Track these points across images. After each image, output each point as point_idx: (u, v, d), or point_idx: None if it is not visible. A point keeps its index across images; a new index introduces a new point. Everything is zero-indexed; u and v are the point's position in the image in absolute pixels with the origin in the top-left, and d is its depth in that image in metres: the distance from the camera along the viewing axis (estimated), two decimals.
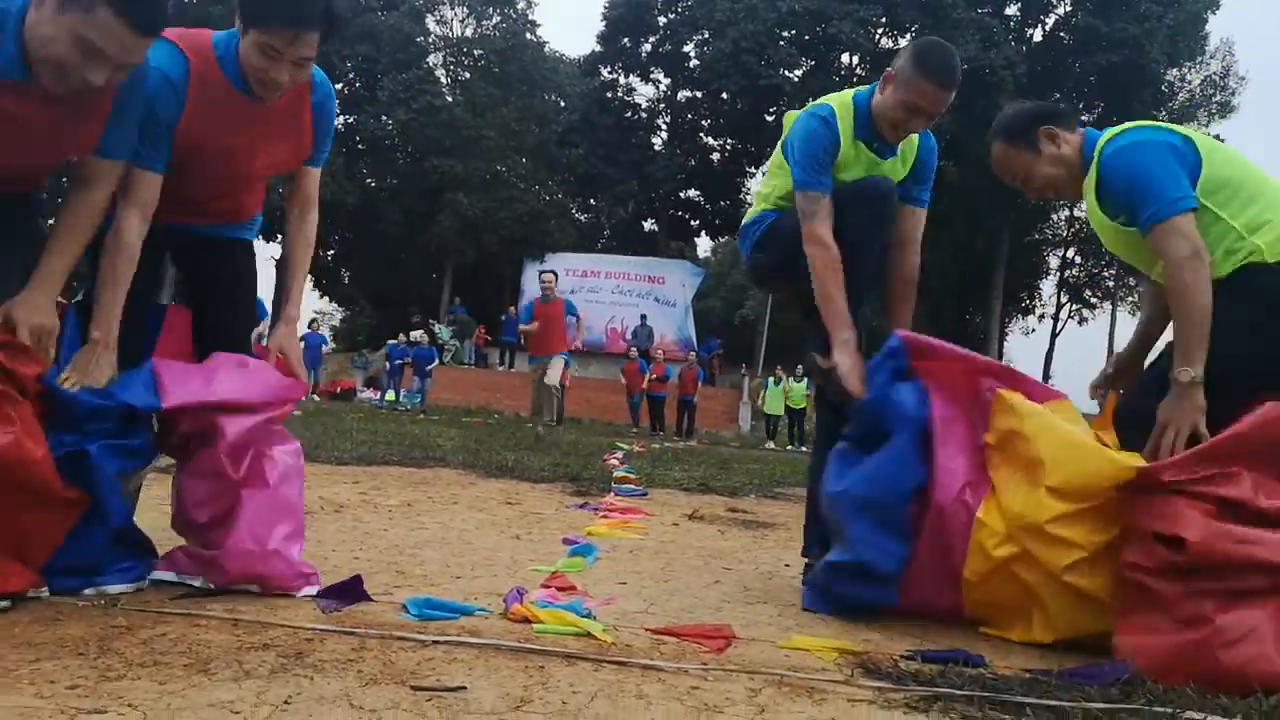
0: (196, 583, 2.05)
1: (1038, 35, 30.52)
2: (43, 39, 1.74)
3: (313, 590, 2.12)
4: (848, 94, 2.66)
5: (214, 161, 2.26)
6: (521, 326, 10.26)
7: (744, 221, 2.94)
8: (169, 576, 2.07)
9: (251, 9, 2.01)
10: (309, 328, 18.98)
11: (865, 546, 2.23)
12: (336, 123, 2.51)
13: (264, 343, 2.44)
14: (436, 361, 19.69)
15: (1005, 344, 32.02)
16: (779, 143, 2.79)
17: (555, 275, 10.58)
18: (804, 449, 16.12)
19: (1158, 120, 2.34)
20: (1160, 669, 1.81)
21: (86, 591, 1.94)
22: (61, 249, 2.01)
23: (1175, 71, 30.37)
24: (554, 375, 9.77)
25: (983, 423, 2.31)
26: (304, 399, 16.55)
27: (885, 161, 2.67)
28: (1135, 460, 2.01)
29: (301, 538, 2.20)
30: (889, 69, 2.56)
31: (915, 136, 2.71)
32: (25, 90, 1.82)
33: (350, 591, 2.12)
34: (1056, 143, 2.37)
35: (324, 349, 20.49)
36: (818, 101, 2.68)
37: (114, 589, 1.98)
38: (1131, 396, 2.46)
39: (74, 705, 1.31)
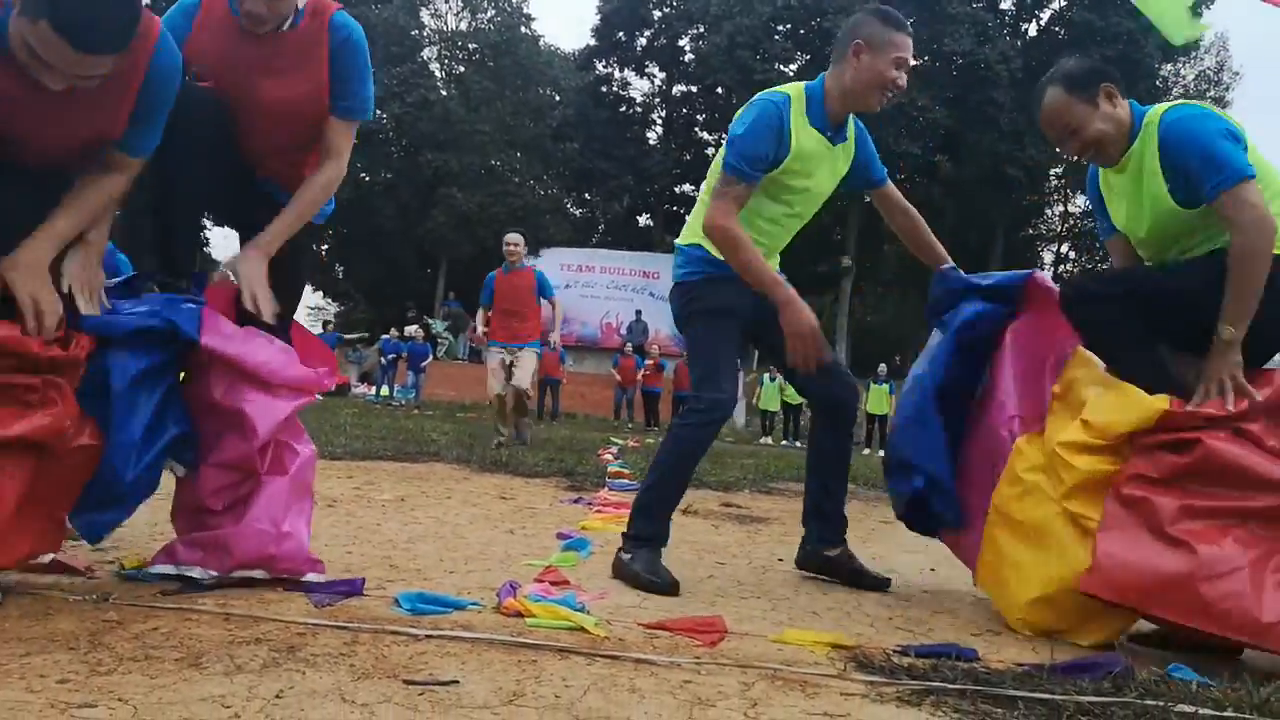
0: (195, 573, 2.04)
1: (1032, 30, 30.54)
2: (10, 37, 1.72)
3: (319, 578, 2.14)
4: (798, 84, 2.67)
5: (230, 93, 2.24)
6: (481, 314, 7.76)
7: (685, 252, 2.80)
8: (168, 569, 2.06)
9: None
10: (322, 328, 18.81)
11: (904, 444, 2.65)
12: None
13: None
14: (431, 358, 19.65)
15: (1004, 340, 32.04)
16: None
17: (524, 238, 7.67)
18: (799, 444, 16.15)
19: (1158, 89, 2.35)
20: (1137, 592, 1.95)
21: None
22: (69, 212, 1.96)
23: (1170, 66, 30.44)
24: (523, 376, 7.27)
25: (1054, 374, 2.44)
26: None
27: (838, 146, 2.70)
28: (1163, 401, 2.13)
29: (310, 526, 2.22)
30: (855, 43, 2.57)
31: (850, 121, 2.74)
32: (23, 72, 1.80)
33: (343, 586, 2.12)
34: (1114, 102, 2.34)
35: (335, 351, 20.25)
36: (769, 90, 2.66)
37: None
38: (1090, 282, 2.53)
39: (64, 700, 1.31)
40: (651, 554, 2.54)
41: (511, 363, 7.34)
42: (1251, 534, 1.95)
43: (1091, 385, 2.29)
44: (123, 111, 1.95)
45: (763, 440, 17.08)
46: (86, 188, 1.99)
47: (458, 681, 1.52)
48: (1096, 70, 2.38)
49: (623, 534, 2.63)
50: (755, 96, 2.65)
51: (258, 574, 2.08)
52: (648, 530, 2.58)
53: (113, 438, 1.94)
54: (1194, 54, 31.07)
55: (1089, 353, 2.38)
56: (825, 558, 2.80)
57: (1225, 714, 1.57)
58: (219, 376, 2.13)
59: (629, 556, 2.53)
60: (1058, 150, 2.54)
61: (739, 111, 2.65)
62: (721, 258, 2.60)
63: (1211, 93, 31.64)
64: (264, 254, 2.24)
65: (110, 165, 2.02)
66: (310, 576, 2.12)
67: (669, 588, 2.40)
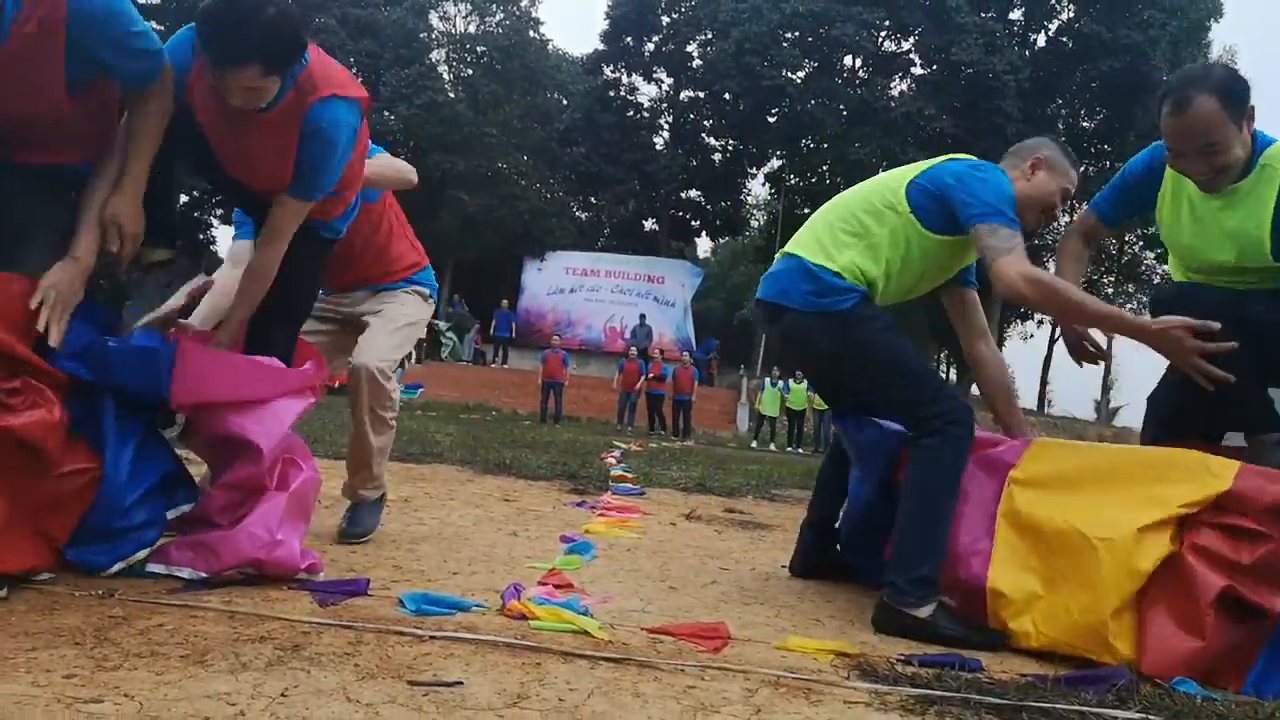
0: (185, 574, 2.06)
1: (1041, 40, 30.52)
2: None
3: (317, 576, 2.17)
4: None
5: (212, 136, 2.26)
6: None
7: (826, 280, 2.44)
8: (159, 569, 2.07)
9: (199, 36, 2.04)
10: None
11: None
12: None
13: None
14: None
15: (1004, 349, 31.97)
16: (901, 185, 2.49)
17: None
18: (800, 451, 16.14)
19: (1156, 128, 2.27)
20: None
21: (114, 568, 2.00)
22: (137, 155, 2.08)
23: None
24: (370, 351, 2.87)
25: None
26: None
27: None
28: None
29: (302, 542, 2.22)
30: (1036, 158, 2.48)
31: None
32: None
33: (347, 586, 2.12)
34: (1250, 128, 2.18)
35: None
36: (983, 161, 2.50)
37: (138, 555, 2.05)
38: (1167, 390, 2.47)
39: (70, 694, 1.31)
40: (947, 604, 2.25)
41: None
42: None
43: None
44: (55, 57, 1.93)
45: (755, 445, 17.04)
46: (136, 127, 2.07)
47: (462, 683, 1.52)
48: (1248, 89, 2.17)
49: (904, 580, 2.22)
50: (980, 163, 2.48)
51: (250, 571, 2.09)
52: (933, 572, 2.24)
53: (107, 469, 1.97)
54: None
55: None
56: (831, 565, 2.83)
57: None
58: (208, 413, 2.18)
59: (927, 611, 2.19)
60: (1167, 163, 2.35)
61: (966, 169, 2.44)
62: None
63: None
64: (223, 338, 2.31)
65: (136, 99, 2.08)
66: (304, 576, 2.14)
67: (998, 638, 2.15)
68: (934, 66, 29.25)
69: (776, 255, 2.66)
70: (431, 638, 1.78)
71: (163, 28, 29.20)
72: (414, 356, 22.50)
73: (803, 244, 2.54)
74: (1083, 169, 2.60)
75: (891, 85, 30.81)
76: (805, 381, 17.23)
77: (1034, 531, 2.20)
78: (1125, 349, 37.21)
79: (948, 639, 2.12)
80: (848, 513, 2.75)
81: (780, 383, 17.96)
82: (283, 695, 1.39)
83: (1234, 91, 2.15)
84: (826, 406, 2.99)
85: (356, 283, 3.01)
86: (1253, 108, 2.17)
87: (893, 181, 2.52)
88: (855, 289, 2.42)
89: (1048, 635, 2.07)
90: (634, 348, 19.70)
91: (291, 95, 2.18)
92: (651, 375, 17.77)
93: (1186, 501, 2.02)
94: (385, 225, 3.03)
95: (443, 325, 26.14)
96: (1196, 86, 2.15)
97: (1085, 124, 29.73)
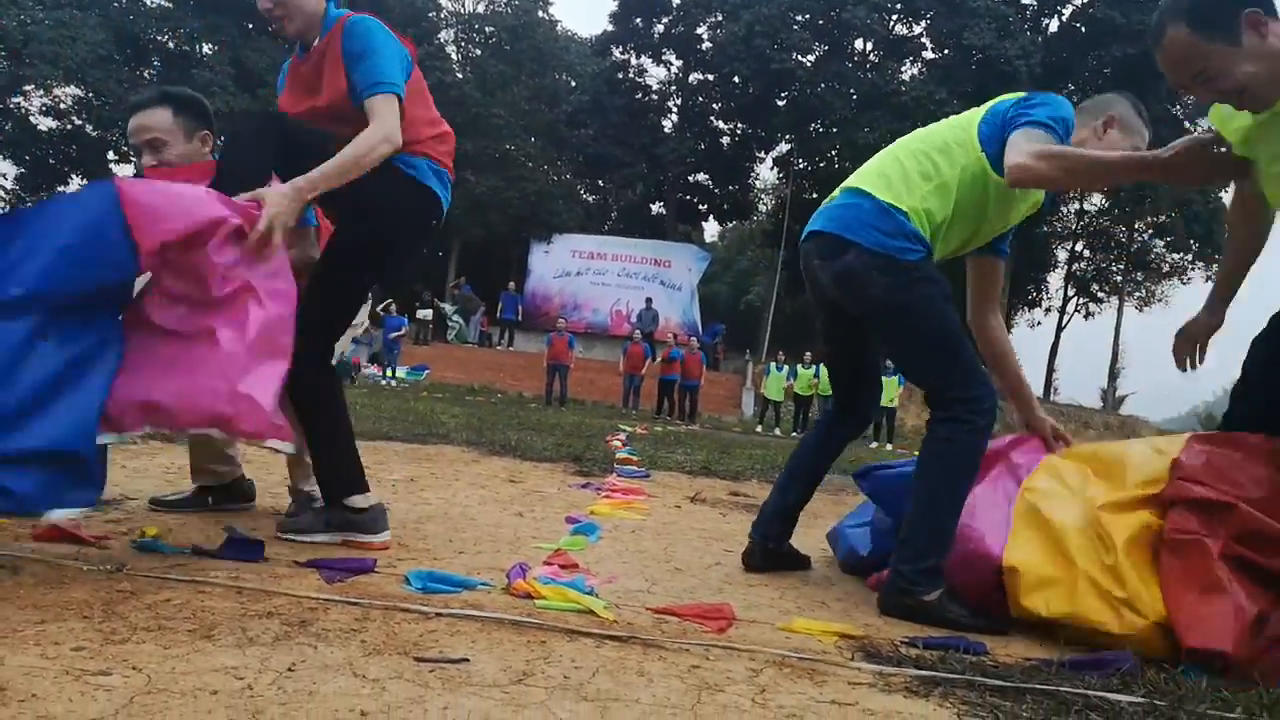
0: (140, 432, 1.90)
1: (1053, 25, 30.28)
2: None
3: (289, 448, 2.03)
4: None
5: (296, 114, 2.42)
6: None
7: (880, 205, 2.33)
8: (110, 439, 1.89)
9: None
10: (383, 311, 18.71)
11: None
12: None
13: None
14: (405, 329, 19.66)
15: (1011, 336, 32.02)
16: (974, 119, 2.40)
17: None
18: (888, 446, 15.99)
19: (1173, 114, 2.18)
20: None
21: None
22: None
23: None
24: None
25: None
26: (384, 382, 16.45)
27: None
28: None
29: (280, 384, 2.02)
30: (1109, 115, 2.36)
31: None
32: None
33: (354, 563, 2.13)
34: (1263, 32, 1.88)
35: (402, 331, 19.33)
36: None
37: (59, 514, 1.82)
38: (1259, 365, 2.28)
39: (79, 667, 1.32)
40: (954, 591, 2.22)
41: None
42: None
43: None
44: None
45: (761, 430, 17.03)
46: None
47: (467, 660, 1.53)
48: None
49: (911, 570, 2.20)
50: (1048, 94, 2.35)
51: (214, 433, 1.91)
52: (940, 561, 2.21)
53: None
54: None
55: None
56: (786, 552, 2.73)
57: (1234, 715, 1.56)
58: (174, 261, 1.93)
59: (934, 596, 2.17)
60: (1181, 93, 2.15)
61: (1028, 94, 2.35)
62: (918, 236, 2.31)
63: None
64: (299, 192, 2.12)
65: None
66: (273, 443, 1.95)
67: (1003, 625, 2.16)
68: (945, 50, 29.04)
69: (839, 190, 2.50)
70: (437, 615, 1.78)
71: (180, 32, 29.24)
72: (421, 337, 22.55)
73: (871, 182, 2.39)
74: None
75: (902, 69, 30.61)
76: (813, 367, 17.20)
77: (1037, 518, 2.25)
78: (1135, 336, 36.96)
79: (954, 623, 2.12)
80: (878, 529, 2.69)
81: (785, 367, 17.94)
82: (290, 670, 1.39)
83: (1205, 10, 1.91)
84: (830, 390, 2.84)
85: None
86: (1254, 12, 1.88)
87: (963, 120, 2.43)
88: (922, 242, 2.31)
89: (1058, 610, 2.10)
90: (638, 331, 19.69)
91: (329, 35, 2.34)
92: (662, 359, 17.78)
93: (1142, 480, 2.19)
94: None
95: (449, 307, 26.16)
96: (1169, 15, 1.95)
97: None
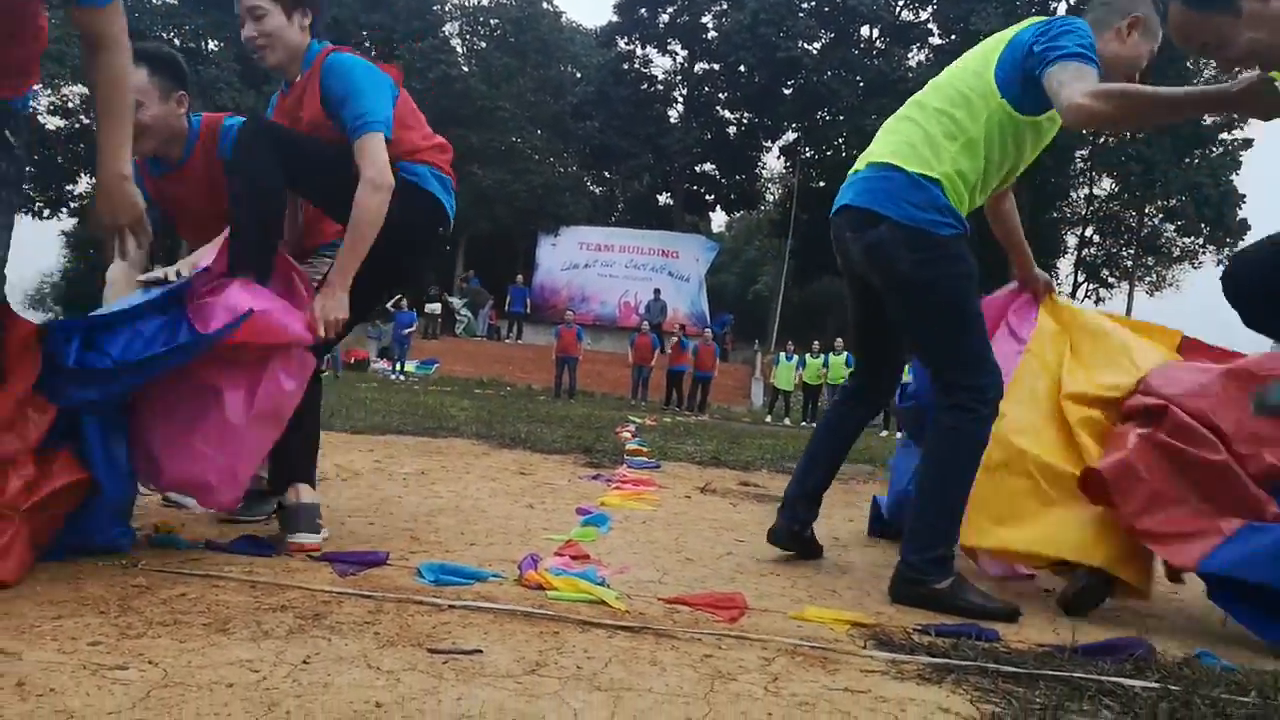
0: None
1: (1062, 9, 30.03)
2: None
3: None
4: None
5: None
6: None
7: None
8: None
9: None
10: (393, 307, 18.62)
11: None
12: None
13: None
14: (414, 325, 19.65)
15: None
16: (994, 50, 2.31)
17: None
18: (815, 425, 16.05)
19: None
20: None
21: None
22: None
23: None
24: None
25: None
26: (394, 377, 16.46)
27: None
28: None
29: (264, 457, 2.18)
30: (1134, 16, 2.32)
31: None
32: None
33: (366, 556, 2.14)
34: (1256, 2, 1.84)
35: (412, 327, 19.19)
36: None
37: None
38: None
39: (96, 661, 1.33)
40: (964, 578, 2.24)
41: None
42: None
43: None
44: None
45: (771, 420, 17.01)
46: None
47: (481, 651, 1.53)
48: None
49: (920, 559, 2.20)
50: (1061, 16, 2.29)
51: (186, 498, 2.15)
52: (949, 550, 2.22)
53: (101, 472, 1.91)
54: None
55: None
56: (809, 538, 2.71)
57: (1248, 698, 1.56)
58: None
59: (945, 584, 2.17)
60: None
61: (1045, 21, 2.29)
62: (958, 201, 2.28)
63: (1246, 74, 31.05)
64: (338, 287, 2.27)
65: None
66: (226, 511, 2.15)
67: (1016, 611, 2.16)
68: (952, 36, 28.86)
69: (861, 164, 2.44)
70: (450, 607, 1.79)
71: (185, 29, 29.27)
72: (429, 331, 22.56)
73: (901, 153, 2.32)
74: (1111, 142, 2.50)
75: (909, 55, 30.45)
76: (821, 356, 17.16)
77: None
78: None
79: (965, 609, 2.12)
80: (896, 486, 2.79)
81: (795, 357, 17.90)
82: (304, 662, 1.40)
83: None
84: (844, 374, 2.80)
85: (313, 247, 2.81)
86: None
87: (976, 64, 2.34)
88: (955, 216, 2.27)
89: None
90: (646, 322, 19.68)
91: (309, 71, 2.37)
92: (670, 351, 17.77)
93: (1111, 384, 2.48)
94: None
95: (457, 301, 26.19)
96: None
97: None
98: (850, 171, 2.50)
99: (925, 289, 2.28)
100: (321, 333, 2.21)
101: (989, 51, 2.34)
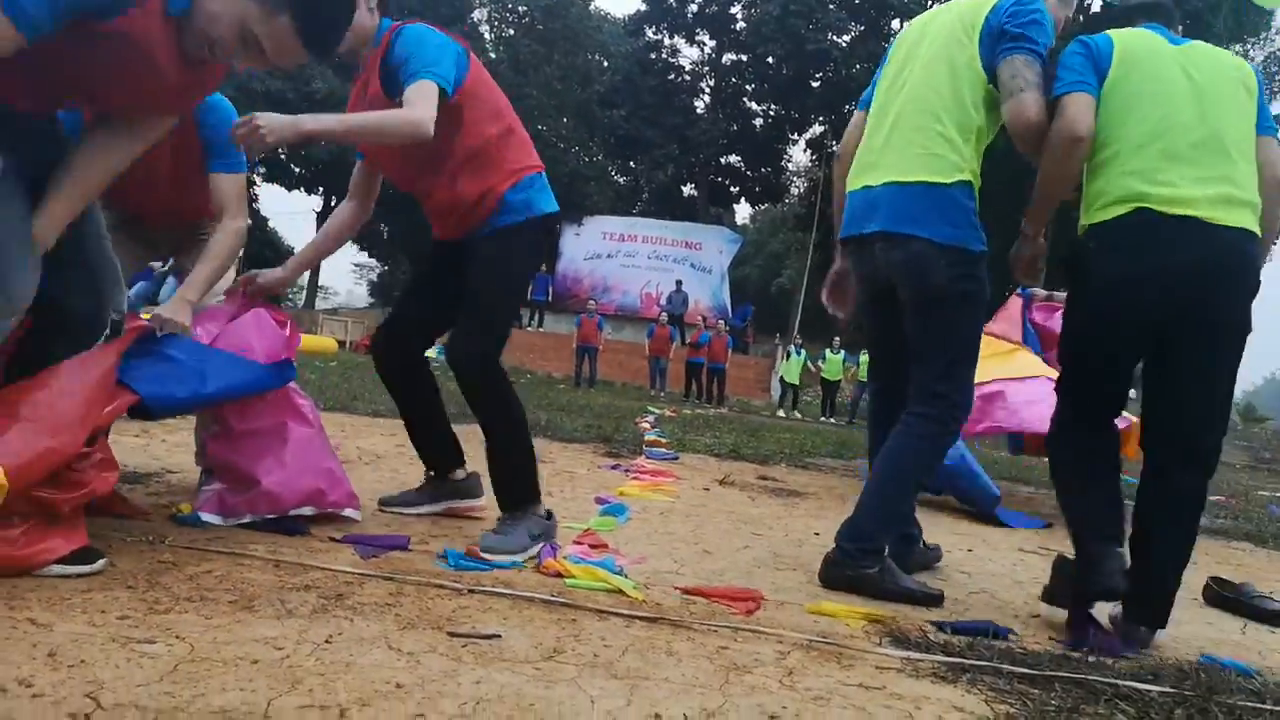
0: (247, 519, 2.18)
1: (1095, 4, 29.66)
2: (209, 14, 1.61)
3: (359, 515, 2.39)
4: None
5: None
6: None
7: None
8: (215, 520, 2.17)
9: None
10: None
11: None
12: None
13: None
14: None
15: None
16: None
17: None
18: (833, 421, 16.02)
19: None
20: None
21: None
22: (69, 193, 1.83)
23: (1239, 47, 29.35)
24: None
25: None
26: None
27: None
28: None
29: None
30: None
31: None
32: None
33: (388, 540, 2.17)
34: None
35: None
36: None
37: None
38: None
39: (125, 634, 1.36)
40: (896, 567, 2.30)
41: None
42: None
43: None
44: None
45: (783, 414, 16.93)
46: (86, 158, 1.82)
47: (500, 635, 1.55)
48: None
49: (855, 548, 2.25)
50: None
51: (307, 511, 2.24)
52: (884, 543, 2.31)
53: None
54: (1264, 35, 30.00)
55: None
56: (923, 547, 2.70)
57: (1265, 705, 1.56)
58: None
59: (876, 570, 2.23)
60: None
61: (1013, 6, 2.25)
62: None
63: None
64: (299, 122, 1.98)
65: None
66: (349, 512, 2.37)
67: (940, 596, 2.24)
68: None
69: (873, 179, 2.37)
70: (470, 591, 1.81)
71: None
72: None
73: (925, 166, 2.27)
74: None
75: None
76: (840, 352, 17.08)
77: None
78: None
79: (893, 594, 2.19)
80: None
81: (804, 352, 17.82)
82: (327, 642, 1.43)
83: None
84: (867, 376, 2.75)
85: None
86: None
87: (964, 53, 2.28)
88: (981, 231, 2.28)
89: None
90: (665, 313, 19.65)
91: (379, 47, 2.27)
92: (690, 342, 17.75)
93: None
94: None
95: None
96: None
97: None
98: (860, 185, 2.42)
99: (956, 304, 2.28)
100: (257, 123, 1.93)
101: (969, 29, 2.29)
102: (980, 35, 2.26)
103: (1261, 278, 2.05)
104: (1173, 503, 2.04)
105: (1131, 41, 2.16)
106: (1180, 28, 2.27)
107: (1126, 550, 2.05)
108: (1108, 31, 2.21)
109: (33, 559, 1.59)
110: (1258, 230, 2.01)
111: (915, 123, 2.31)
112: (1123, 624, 2.03)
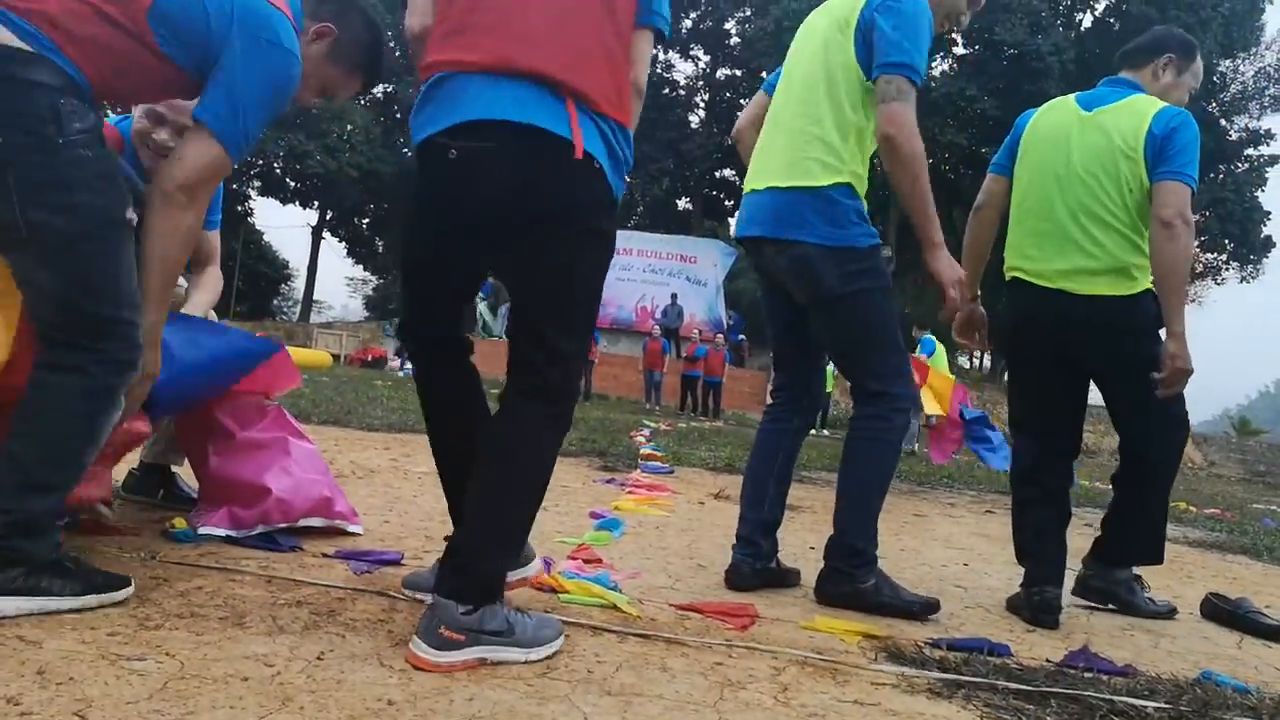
0: (258, 530, 2.20)
1: (1087, 21, 29.89)
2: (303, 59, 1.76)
3: (360, 530, 2.44)
4: None
5: None
6: None
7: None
8: (219, 533, 2.17)
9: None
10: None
11: None
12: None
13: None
14: None
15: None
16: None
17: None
18: (825, 433, 16.00)
19: (1208, 112, 2.24)
20: None
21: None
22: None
23: (1228, 62, 29.62)
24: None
25: None
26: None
27: None
28: None
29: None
30: (1167, 53, 2.75)
31: None
32: None
33: (381, 555, 2.16)
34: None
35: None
36: None
37: None
38: None
39: (114, 651, 1.35)
40: (891, 579, 2.30)
41: None
42: None
43: None
44: None
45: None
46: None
47: None
48: None
49: (845, 564, 2.25)
50: None
51: (315, 522, 2.29)
52: (874, 552, 2.28)
53: None
54: (1254, 50, 30.22)
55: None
56: (775, 570, 2.47)
57: None
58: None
59: (872, 584, 2.23)
60: None
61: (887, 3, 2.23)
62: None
63: (1271, 90, 30.77)
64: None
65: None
66: (354, 527, 2.41)
67: (937, 603, 2.27)
68: (976, 46, 28.72)
69: (759, 183, 2.39)
70: None
71: None
72: None
73: (803, 169, 2.28)
74: None
75: (932, 65, 30.30)
76: (832, 364, 17.09)
77: None
78: None
79: (889, 607, 2.19)
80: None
81: None
82: (319, 659, 1.42)
83: None
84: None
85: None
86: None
87: (840, 56, 2.29)
88: (867, 220, 2.28)
89: None
90: (657, 327, 19.65)
91: None
92: (686, 356, 17.74)
93: None
94: None
95: (477, 300, 26.27)
96: None
97: None
98: (747, 188, 2.44)
99: (850, 304, 2.28)
100: None
101: (844, 26, 2.30)
102: (854, 35, 2.27)
103: (1139, 323, 2.44)
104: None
105: (1040, 122, 2.63)
106: (1154, 68, 2.69)
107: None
108: (1034, 110, 2.71)
109: None
110: (1123, 291, 2.41)
111: (794, 125, 2.35)
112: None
